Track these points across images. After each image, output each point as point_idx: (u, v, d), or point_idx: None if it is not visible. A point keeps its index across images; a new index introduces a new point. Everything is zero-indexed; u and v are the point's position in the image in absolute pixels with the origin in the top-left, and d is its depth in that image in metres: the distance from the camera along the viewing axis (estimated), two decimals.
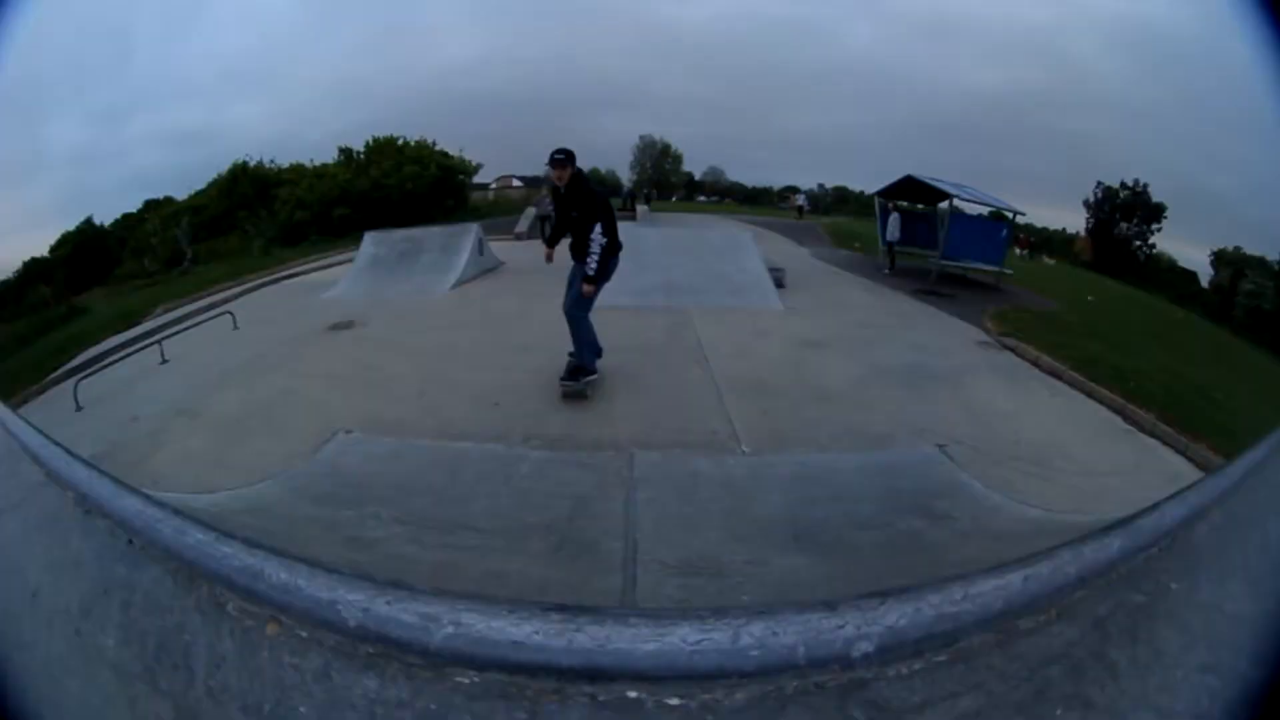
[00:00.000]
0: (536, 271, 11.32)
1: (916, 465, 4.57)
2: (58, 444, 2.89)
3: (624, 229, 9.14)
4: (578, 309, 5.70)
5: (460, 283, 9.90)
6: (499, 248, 12.57)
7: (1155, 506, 2.11)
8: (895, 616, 1.60)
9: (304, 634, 1.58)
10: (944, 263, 12.60)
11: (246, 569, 1.76)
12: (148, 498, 2.09)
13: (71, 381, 7.00)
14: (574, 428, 4.75)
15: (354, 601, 1.56)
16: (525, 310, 8.10)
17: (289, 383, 6.18)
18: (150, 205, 24.11)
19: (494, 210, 24.35)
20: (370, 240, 11.41)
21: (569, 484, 3.85)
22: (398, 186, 21.95)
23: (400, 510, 3.39)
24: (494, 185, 30.65)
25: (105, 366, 7.62)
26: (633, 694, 1.40)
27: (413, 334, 7.58)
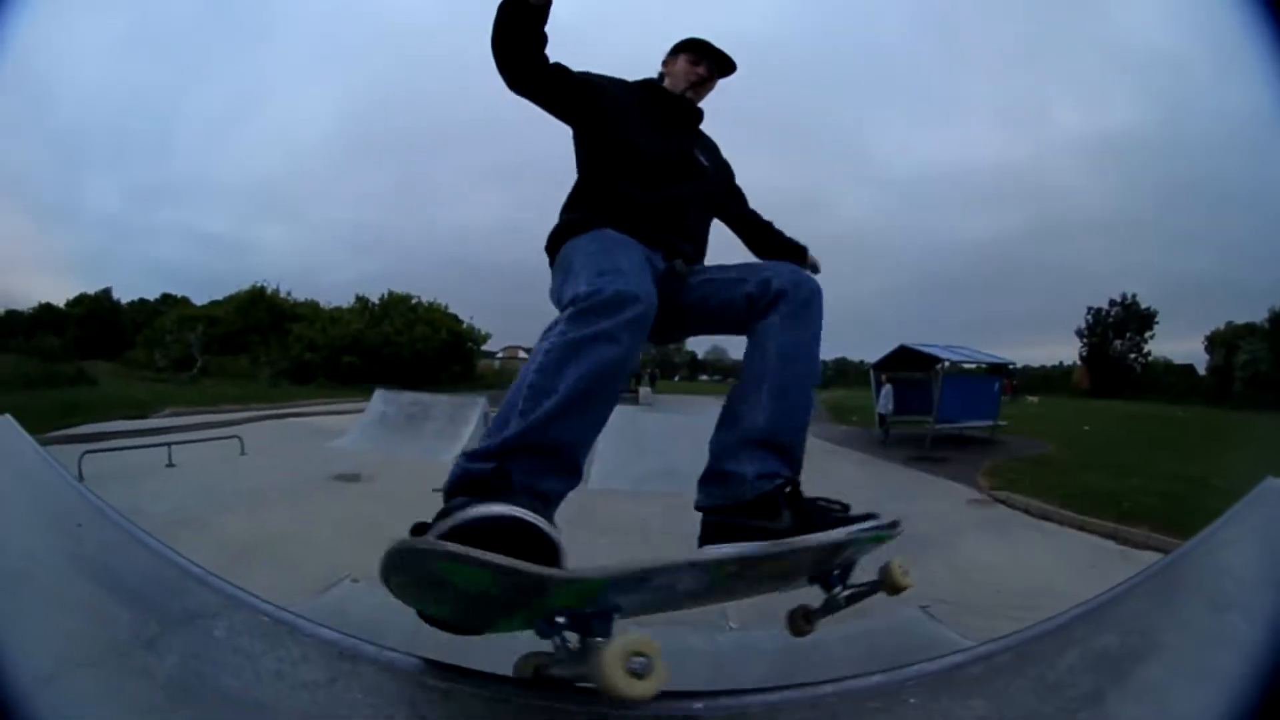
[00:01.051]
0: None
1: (896, 629, 4.69)
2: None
3: (625, 416, 9.21)
4: None
5: None
6: None
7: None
8: None
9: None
10: (939, 426, 13.08)
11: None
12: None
13: (76, 449, 7.17)
14: None
15: None
16: None
17: (296, 522, 6.38)
18: (168, 299, 24.96)
19: (499, 380, 25.09)
20: (381, 398, 11.92)
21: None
22: (408, 345, 22.91)
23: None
24: (501, 355, 31.87)
25: (112, 449, 7.80)
26: None
27: (419, 495, 7.76)
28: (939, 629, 4.16)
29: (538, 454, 1.52)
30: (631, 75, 2.37)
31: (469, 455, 1.52)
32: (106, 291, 22.75)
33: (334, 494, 7.63)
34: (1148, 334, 34.59)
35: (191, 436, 9.03)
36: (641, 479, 8.67)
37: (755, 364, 2.03)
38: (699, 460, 6.44)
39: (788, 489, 1.85)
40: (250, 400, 13.48)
